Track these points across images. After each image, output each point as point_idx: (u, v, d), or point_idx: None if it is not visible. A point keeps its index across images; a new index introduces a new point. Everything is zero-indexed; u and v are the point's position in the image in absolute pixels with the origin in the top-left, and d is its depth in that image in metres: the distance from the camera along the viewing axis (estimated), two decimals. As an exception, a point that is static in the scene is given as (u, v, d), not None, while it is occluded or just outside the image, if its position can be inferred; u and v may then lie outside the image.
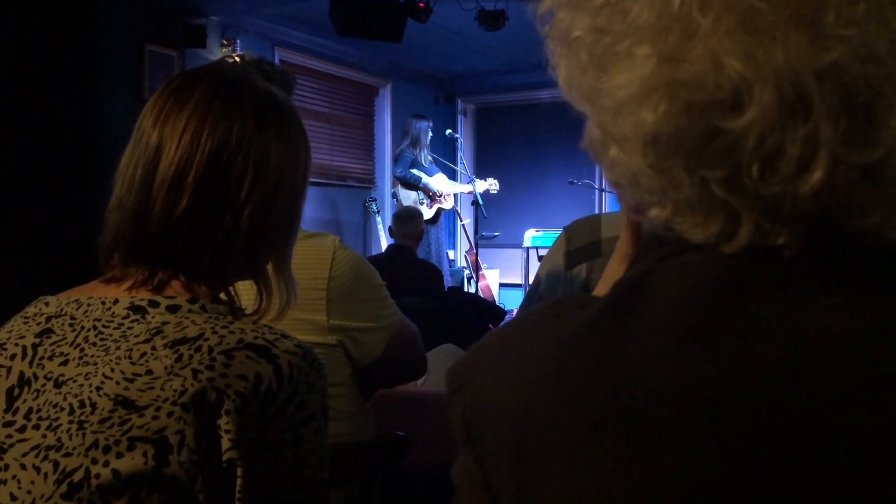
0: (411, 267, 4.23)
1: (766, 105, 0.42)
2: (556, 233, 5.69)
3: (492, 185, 6.35)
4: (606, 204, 7.14)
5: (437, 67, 7.23)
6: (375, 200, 6.66)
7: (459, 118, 7.76)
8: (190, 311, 0.82)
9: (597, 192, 7.09)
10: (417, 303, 3.92)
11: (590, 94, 0.50)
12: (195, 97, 0.87)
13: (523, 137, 7.47)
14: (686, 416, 0.41)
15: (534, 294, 1.26)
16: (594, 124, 0.52)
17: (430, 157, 6.30)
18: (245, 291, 0.93)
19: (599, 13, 0.48)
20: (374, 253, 6.65)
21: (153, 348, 0.79)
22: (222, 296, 0.90)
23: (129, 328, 0.81)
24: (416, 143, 6.20)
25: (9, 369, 0.82)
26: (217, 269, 0.88)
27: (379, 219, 6.54)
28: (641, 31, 0.45)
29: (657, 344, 0.44)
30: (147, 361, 0.78)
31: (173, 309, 0.82)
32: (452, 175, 6.57)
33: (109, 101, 4.51)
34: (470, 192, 6.27)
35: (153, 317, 0.81)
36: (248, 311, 0.89)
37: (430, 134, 6.27)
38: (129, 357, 0.78)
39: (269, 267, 0.93)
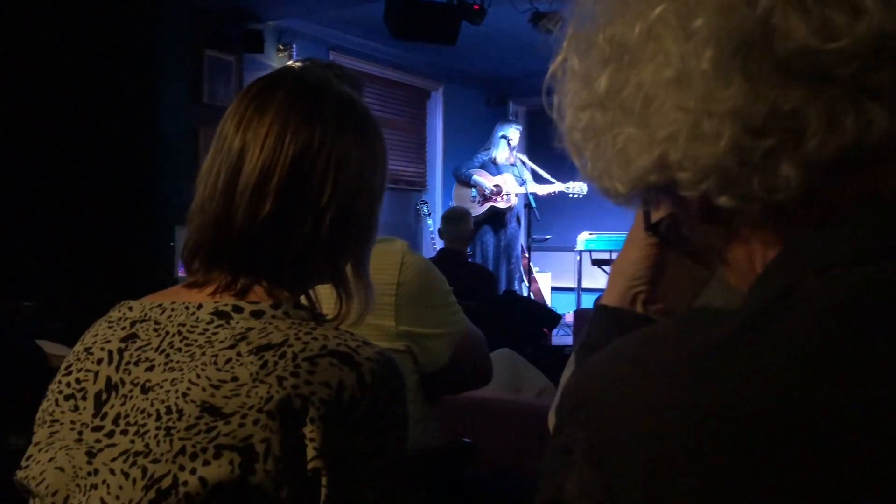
0: (463, 270, 4.21)
1: None
2: (610, 236, 5.64)
3: (575, 187, 6.25)
4: (662, 207, 7.01)
5: (488, 70, 7.21)
6: (427, 203, 6.67)
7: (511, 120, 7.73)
8: (273, 316, 0.82)
9: (651, 194, 6.97)
10: (470, 306, 3.90)
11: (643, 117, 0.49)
12: (276, 102, 0.87)
13: (575, 140, 7.38)
14: (842, 444, 0.39)
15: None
16: (668, 133, 0.49)
17: (511, 161, 6.23)
18: (325, 296, 0.92)
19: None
20: (424, 255, 6.64)
21: (238, 354, 0.78)
22: (303, 300, 0.89)
23: (214, 333, 0.81)
24: (494, 145, 6.22)
25: (96, 374, 0.83)
26: (298, 274, 0.88)
27: (430, 221, 6.55)
28: None
29: (809, 368, 0.41)
30: (232, 368, 0.77)
31: (257, 314, 0.82)
32: (537, 178, 6.48)
33: (169, 105, 4.60)
34: (548, 193, 6.22)
35: (237, 322, 0.81)
36: (328, 317, 0.88)
37: (501, 135, 6.24)
38: (215, 363, 0.78)
39: (348, 271, 0.93)
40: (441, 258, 4.36)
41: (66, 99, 4.22)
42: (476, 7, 4.72)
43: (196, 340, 0.81)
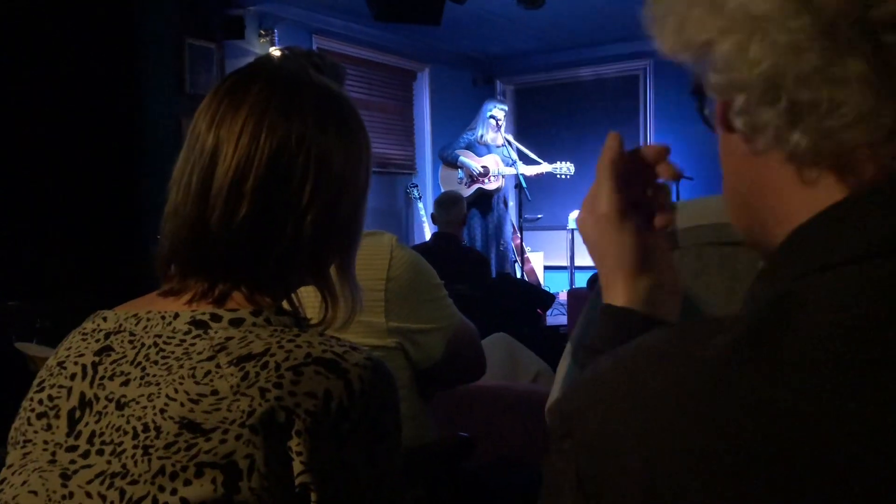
0: (457, 254, 4.18)
1: None
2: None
3: (564, 168, 6.20)
4: (653, 183, 6.99)
5: (474, 49, 7.13)
6: (417, 186, 6.61)
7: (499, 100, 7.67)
8: (254, 324, 0.78)
9: (642, 171, 6.94)
10: (464, 290, 3.87)
11: (713, 5, 0.47)
12: (251, 97, 0.82)
13: (564, 117, 7.34)
14: (863, 462, 0.35)
15: (599, 298, 1.18)
16: (724, 38, 0.46)
17: (498, 141, 6.18)
18: (309, 300, 0.88)
19: None
20: (416, 239, 6.62)
21: (217, 366, 0.74)
22: (286, 305, 0.85)
23: (192, 344, 0.76)
24: (480, 122, 6.16)
25: (69, 390, 0.78)
26: (279, 278, 0.84)
27: (420, 205, 6.50)
28: None
29: (819, 381, 0.38)
30: (212, 381, 0.73)
31: (237, 323, 0.77)
32: (524, 159, 6.43)
33: (152, 95, 4.53)
34: (536, 174, 6.17)
35: (216, 332, 0.77)
36: (313, 322, 0.84)
37: (493, 110, 6.17)
38: (193, 376, 0.74)
39: (333, 273, 0.88)
40: (434, 243, 4.32)
41: (46, 92, 4.14)
42: (460, -14, 4.64)
43: (173, 352, 0.77)
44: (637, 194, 0.66)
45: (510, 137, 6.35)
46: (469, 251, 4.54)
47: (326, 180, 0.83)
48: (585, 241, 0.67)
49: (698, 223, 0.99)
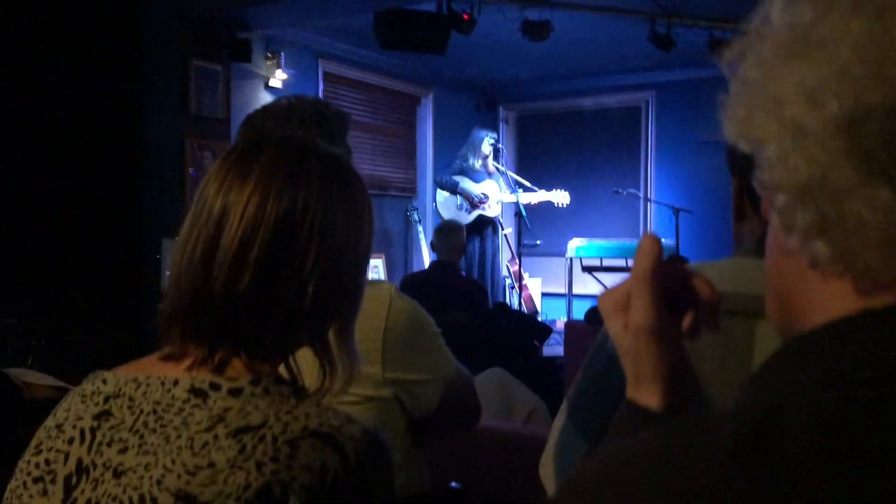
0: (455, 283, 4.19)
1: None
2: (600, 243, 5.65)
3: (559, 197, 6.22)
4: (652, 214, 7.01)
5: (478, 75, 7.18)
6: (417, 209, 6.64)
7: (501, 126, 7.71)
8: (252, 394, 0.78)
9: (642, 201, 6.97)
10: (461, 319, 3.88)
11: (774, 103, 0.49)
12: (259, 166, 0.84)
13: (566, 145, 7.38)
14: None
15: (601, 350, 1.18)
16: (775, 142, 0.49)
17: (489, 168, 6.21)
18: (307, 363, 0.89)
19: (797, 34, 0.48)
20: (416, 260, 6.64)
21: (215, 437, 0.75)
22: (284, 370, 0.86)
23: (190, 414, 0.77)
24: (471, 150, 6.17)
25: (66, 455, 0.79)
26: (279, 345, 0.85)
27: (420, 228, 6.52)
28: (845, 38, 0.46)
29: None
30: (209, 452, 0.74)
31: (235, 392, 0.78)
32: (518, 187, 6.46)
33: (156, 116, 4.56)
34: (526, 203, 6.18)
35: (215, 401, 0.78)
36: (311, 390, 0.85)
37: (488, 144, 6.19)
38: (191, 447, 0.75)
39: (331, 336, 0.89)
40: (434, 271, 4.33)
41: (52, 110, 4.17)
42: (465, 17, 4.69)
43: (171, 421, 0.77)
44: (671, 298, 0.64)
45: (500, 165, 6.38)
46: (467, 280, 4.55)
47: (329, 249, 0.84)
48: (619, 348, 0.64)
49: None
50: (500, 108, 7.72)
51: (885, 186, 0.44)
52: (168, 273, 0.87)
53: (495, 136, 6.33)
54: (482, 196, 6.12)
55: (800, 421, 0.42)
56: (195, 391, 0.79)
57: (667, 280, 0.63)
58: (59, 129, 4.22)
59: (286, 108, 1.38)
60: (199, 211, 0.85)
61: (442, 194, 6.20)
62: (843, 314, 0.47)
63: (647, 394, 0.63)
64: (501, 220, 6.54)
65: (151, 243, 4.24)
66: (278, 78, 5.30)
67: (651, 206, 6.97)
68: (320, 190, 0.84)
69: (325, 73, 5.94)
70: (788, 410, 0.43)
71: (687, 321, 0.64)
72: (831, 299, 0.49)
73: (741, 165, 0.96)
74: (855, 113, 0.44)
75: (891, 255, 0.45)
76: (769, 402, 0.45)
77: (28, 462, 0.81)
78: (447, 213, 6.02)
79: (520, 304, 6.22)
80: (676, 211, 5.93)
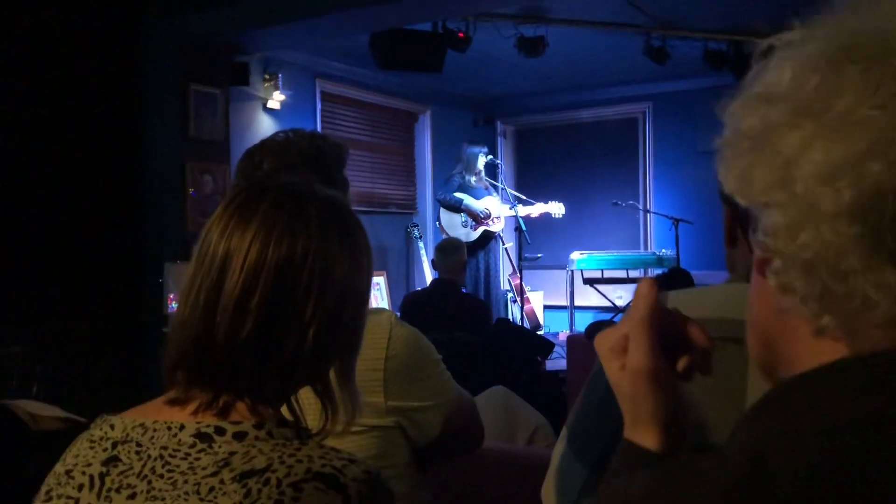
0: (457, 301, 4.20)
1: None
2: (600, 255, 5.66)
3: (555, 209, 6.24)
4: (652, 226, 7.03)
5: (475, 91, 7.23)
6: (417, 226, 6.67)
7: (499, 140, 7.75)
8: (257, 437, 0.80)
9: (641, 213, 6.99)
10: (464, 337, 3.89)
11: (781, 180, 0.50)
12: (260, 212, 0.86)
13: (564, 158, 7.42)
14: None
15: (599, 376, 1.20)
16: (781, 212, 0.50)
17: (484, 183, 6.24)
18: (309, 403, 0.91)
19: (804, 106, 0.49)
20: (417, 277, 6.66)
21: (221, 482, 0.77)
22: (287, 412, 0.88)
23: (197, 459, 0.79)
24: (466, 167, 6.16)
25: (76, 501, 0.81)
26: (281, 389, 0.87)
27: (421, 244, 6.55)
28: (852, 113, 0.47)
29: None
30: (216, 497, 0.76)
31: (240, 436, 0.80)
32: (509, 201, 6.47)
33: (156, 140, 4.59)
34: (525, 216, 6.20)
35: (220, 446, 0.80)
36: (314, 429, 0.87)
37: (483, 160, 6.19)
38: (198, 492, 0.77)
39: (333, 378, 0.91)
40: (435, 289, 4.35)
41: (52, 136, 4.20)
42: (461, 35, 4.73)
43: (178, 466, 0.79)
44: (667, 342, 0.65)
45: (497, 182, 6.39)
46: (469, 298, 4.56)
47: (329, 293, 0.86)
48: (616, 391, 0.66)
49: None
50: (498, 123, 7.77)
51: (893, 270, 0.46)
52: (172, 315, 0.89)
53: (487, 149, 6.32)
54: (487, 212, 6.13)
55: (787, 467, 0.44)
56: (201, 436, 0.81)
57: (663, 324, 0.65)
58: (60, 155, 4.25)
59: (284, 142, 1.40)
60: (202, 257, 0.87)
61: (445, 213, 6.21)
62: (828, 361, 0.49)
63: (644, 435, 0.65)
64: (502, 235, 6.57)
65: (153, 268, 4.26)
66: (276, 99, 5.34)
67: (650, 217, 6.99)
68: (319, 235, 0.87)
69: (323, 93, 5.98)
70: (776, 456, 0.45)
71: (681, 365, 0.66)
72: (821, 352, 0.50)
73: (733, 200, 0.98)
74: (871, 199, 0.46)
75: (894, 333, 0.47)
76: (757, 448, 0.47)
77: None
78: (452, 232, 6.00)
79: (522, 317, 6.24)
80: (676, 221, 5.95)
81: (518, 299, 6.32)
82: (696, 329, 0.65)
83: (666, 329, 0.65)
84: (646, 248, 7.01)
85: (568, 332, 6.18)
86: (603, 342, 0.67)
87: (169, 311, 4.14)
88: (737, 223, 1.10)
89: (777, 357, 0.56)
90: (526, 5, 4.78)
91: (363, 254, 0.93)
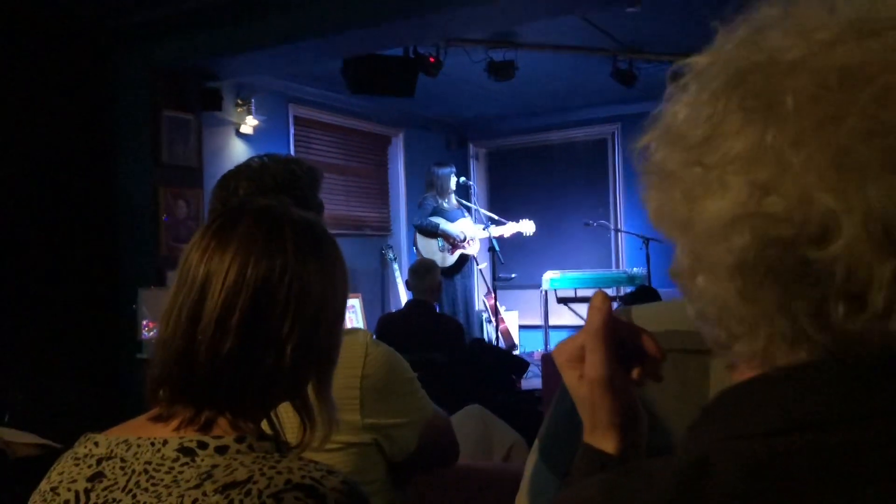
0: (432, 322, 4.23)
1: (853, 238, 0.43)
2: (573, 275, 5.70)
3: (526, 227, 6.28)
4: (623, 245, 7.13)
5: (447, 114, 7.31)
6: (392, 248, 6.70)
7: (472, 162, 7.83)
8: (238, 451, 0.83)
9: (612, 232, 7.09)
10: (439, 358, 3.92)
11: (682, 223, 0.52)
12: (238, 234, 0.90)
13: (536, 179, 7.51)
14: None
15: (566, 391, 1.24)
16: (684, 253, 0.53)
17: (455, 204, 6.28)
18: (289, 421, 0.94)
19: (694, 149, 0.50)
20: (392, 298, 6.68)
21: (204, 494, 0.80)
22: (266, 426, 0.91)
23: (180, 472, 0.82)
24: (438, 190, 6.17)
25: (62, 517, 0.83)
26: (261, 403, 0.90)
27: (396, 266, 6.58)
28: (734, 162, 0.48)
29: None
30: None
31: (222, 450, 0.83)
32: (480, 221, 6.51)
33: (129, 166, 4.60)
34: (498, 236, 6.24)
35: (202, 459, 0.83)
36: (293, 443, 0.90)
37: (455, 180, 6.21)
38: (182, 503, 0.80)
39: (311, 393, 0.95)
40: (410, 310, 4.38)
41: (23, 162, 4.19)
42: (432, 59, 4.80)
43: (162, 479, 0.82)
44: (622, 352, 0.70)
45: (468, 202, 6.41)
46: (444, 319, 4.60)
47: (306, 311, 0.90)
48: (575, 398, 0.70)
49: (654, 330, 1.07)
50: (471, 145, 7.85)
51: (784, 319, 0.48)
52: (154, 337, 0.92)
53: (455, 168, 6.34)
54: (463, 235, 6.17)
55: (726, 469, 0.48)
56: (184, 450, 0.84)
57: (617, 334, 0.69)
58: (33, 182, 4.24)
59: (259, 168, 1.43)
60: (183, 279, 0.90)
61: (421, 238, 6.18)
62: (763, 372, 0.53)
63: (602, 439, 0.69)
64: (476, 256, 6.63)
65: (127, 293, 4.25)
66: (249, 124, 5.37)
67: (622, 237, 7.09)
68: (296, 256, 0.90)
69: (296, 118, 6.02)
70: (718, 460, 0.49)
71: (635, 373, 0.70)
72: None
73: None
74: (757, 254, 0.47)
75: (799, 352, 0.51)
76: (701, 451, 0.51)
77: None
78: (429, 256, 6.01)
79: (497, 337, 6.28)
80: (646, 240, 6.05)
81: (493, 319, 6.36)
82: (648, 339, 0.69)
83: (622, 339, 0.70)
84: (617, 266, 7.11)
85: (543, 350, 6.23)
86: (561, 353, 0.71)
87: (143, 336, 4.12)
88: None
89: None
90: (496, 31, 4.87)
91: (338, 272, 0.97)
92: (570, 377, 0.70)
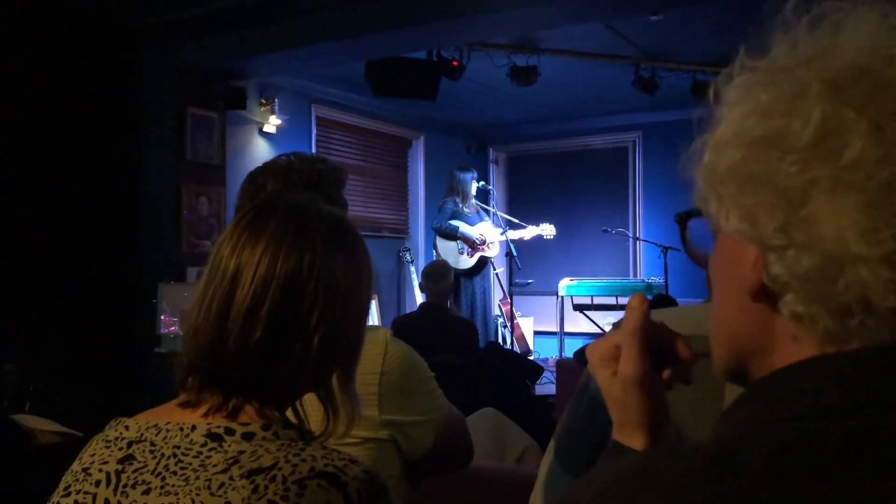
0: (445, 324, 4.25)
1: None
2: (590, 281, 5.71)
3: (546, 230, 6.32)
4: (641, 253, 7.12)
5: (468, 118, 7.34)
6: (409, 250, 6.73)
7: (491, 167, 7.85)
8: (264, 438, 0.86)
9: (631, 240, 7.08)
10: (453, 360, 3.94)
11: (802, 222, 0.53)
12: (269, 228, 0.92)
13: (555, 185, 7.52)
14: None
15: (584, 391, 1.26)
16: (809, 254, 0.53)
17: (474, 208, 6.30)
18: (313, 410, 0.97)
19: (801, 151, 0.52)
20: (408, 300, 6.70)
21: (231, 478, 0.82)
22: (291, 415, 0.93)
23: (208, 457, 0.85)
24: (459, 194, 6.20)
25: (94, 496, 0.86)
26: (287, 392, 0.92)
27: (413, 268, 6.61)
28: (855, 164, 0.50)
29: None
30: (225, 492, 0.81)
31: (248, 437, 0.86)
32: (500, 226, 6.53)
33: (153, 163, 4.65)
34: (517, 239, 6.26)
35: (229, 445, 0.85)
36: (316, 432, 0.93)
37: (476, 185, 6.25)
38: (209, 487, 0.82)
39: (335, 384, 0.97)
40: (424, 313, 4.40)
41: (49, 158, 4.26)
42: (455, 63, 4.83)
43: (190, 464, 0.85)
44: (654, 353, 0.71)
45: (488, 206, 6.45)
46: (458, 321, 4.61)
47: (332, 304, 0.92)
48: (606, 396, 0.71)
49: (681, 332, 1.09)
50: (490, 150, 7.88)
51: None
52: (183, 326, 0.95)
53: (476, 174, 6.38)
54: (483, 238, 6.19)
55: (755, 448, 0.51)
56: (212, 436, 0.86)
57: (651, 336, 0.71)
58: (58, 177, 4.30)
59: (286, 166, 1.46)
60: (214, 269, 0.93)
61: (441, 240, 6.22)
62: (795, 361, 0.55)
63: (631, 437, 0.71)
64: (493, 261, 6.64)
65: (148, 288, 4.30)
66: (272, 124, 5.43)
67: (640, 245, 7.08)
68: (324, 250, 0.93)
69: (318, 118, 6.08)
70: (747, 441, 0.51)
71: (666, 374, 0.72)
72: (792, 354, 0.56)
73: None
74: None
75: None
76: (727, 434, 0.53)
77: None
78: (449, 259, 5.99)
79: (512, 342, 6.29)
80: (665, 249, 6.04)
81: (508, 324, 6.37)
82: (681, 343, 0.71)
83: (653, 341, 0.71)
84: (635, 275, 7.10)
85: (557, 357, 6.23)
86: (595, 351, 0.73)
87: (162, 331, 4.17)
88: None
89: (751, 364, 0.61)
90: (519, 36, 4.89)
91: (364, 268, 0.99)
92: (602, 375, 0.72)
